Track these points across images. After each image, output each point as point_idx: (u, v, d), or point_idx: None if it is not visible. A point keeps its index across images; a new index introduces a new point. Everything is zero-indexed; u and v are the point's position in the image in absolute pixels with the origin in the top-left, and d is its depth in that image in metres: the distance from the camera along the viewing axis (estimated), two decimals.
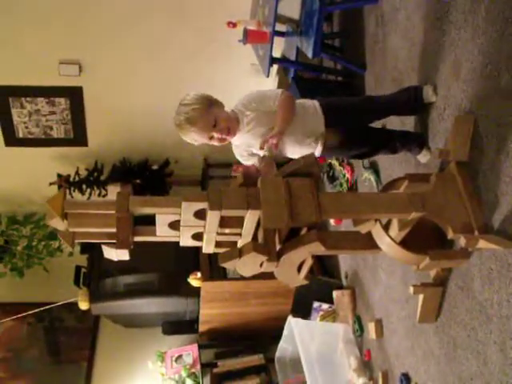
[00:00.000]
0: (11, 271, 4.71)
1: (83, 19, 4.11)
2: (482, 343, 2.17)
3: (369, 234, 2.23)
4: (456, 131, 2.25)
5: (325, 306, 3.97)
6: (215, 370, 4.27)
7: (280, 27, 3.82)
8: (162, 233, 2.10)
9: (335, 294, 3.87)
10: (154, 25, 4.22)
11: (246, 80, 4.45)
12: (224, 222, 2.03)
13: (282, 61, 3.88)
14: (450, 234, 2.08)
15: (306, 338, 3.66)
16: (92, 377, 4.66)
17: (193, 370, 4.21)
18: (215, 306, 4.17)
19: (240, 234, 2.10)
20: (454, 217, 2.11)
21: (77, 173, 4.71)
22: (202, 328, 4.40)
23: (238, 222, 2.04)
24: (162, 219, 2.05)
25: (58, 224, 2.02)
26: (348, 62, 3.57)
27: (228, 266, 2.02)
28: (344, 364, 3.58)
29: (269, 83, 4.32)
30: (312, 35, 3.37)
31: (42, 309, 4.40)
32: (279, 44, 4.01)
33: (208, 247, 2.18)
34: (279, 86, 4.39)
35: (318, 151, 2.51)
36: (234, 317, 4.32)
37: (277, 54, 4.01)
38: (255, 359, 4.33)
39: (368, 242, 2.26)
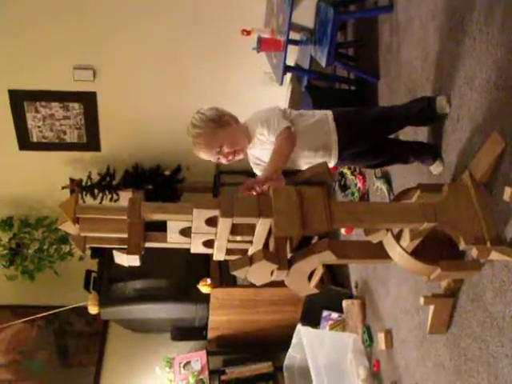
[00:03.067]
0: (22, 274, 4.74)
1: (97, 25, 4.15)
2: (493, 356, 2.15)
3: (380, 244, 2.21)
4: (485, 149, 2.20)
5: (334, 315, 3.96)
6: (223, 377, 4.26)
7: (294, 35, 3.83)
8: (173, 239, 2.11)
9: (345, 303, 3.85)
10: (168, 32, 4.25)
11: (259, 88, 4.46)
12: (235, 230, 2.03)
13: (296, 69, 3.88)
14: (462, 245, 2.06)
15: (315, 347, 3.64)
16: (100, 381, 4.68)
17: (201, 377, 4.21)
18: (224, 312, 4.16)
19: (251, 242, 2.10)
20: (466, 228, 2.08)
21: (89, 177, 4.74)
22: (210, 335, 4.40)
23: (250, 229, 2.04)
24: (173, 226, 2.06)
25: (69, 228, 2.03)
26: (361, 72, 3.57)
27: (239, 274, 2.02)
28: (353, 374, 3.55)
29: (282, 92, 4.33)
30: (326, 44, 3.37)
31: (51, 312, 4.41)
32: (293, 52, 4.02)
33: (219, 254, 2.18)
34: (292, 95, 4.39)
35: (331, 163, 2.49)
36: (244, 324, 4.31)
37: (290, 62, 4.02)
38: (264, 367, 4.32)
39: (379, 252, 2.25)
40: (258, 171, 2.53)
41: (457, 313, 2.45)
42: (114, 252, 2.03)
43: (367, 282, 3.68)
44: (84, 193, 4.68)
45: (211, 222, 1.99)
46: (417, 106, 2.65)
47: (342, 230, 4.00)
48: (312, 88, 3.77)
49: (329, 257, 2.01)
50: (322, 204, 1.99)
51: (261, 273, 2.08)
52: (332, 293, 4.00)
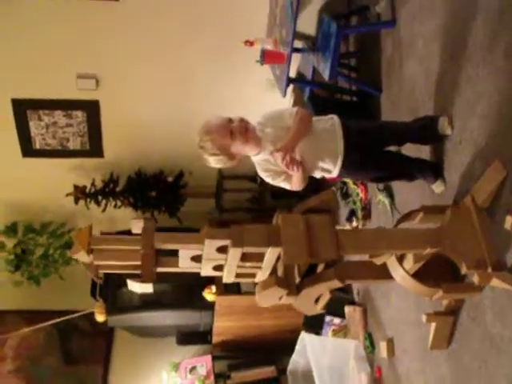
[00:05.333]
0: (28, 279, 4.79)
1: (100, 34, 4.17)
2: (492, 376, 2.23)
3: (384, 265, 2.28)
4: (487, 176, 2.26)
5: (337, 320, 4.05)
6: (228, 382, 4.35)
7: (296, 43, 3.84)
8: (184, 264, 2.17)
9: (347, 309, 3.93)
10: (170, 38, 4.27)
11: (261, 94, 4.48)
12: (245, 257, 2.10)
13: (299, 81, 3.92)
14: (464, 270, 2.13)
15: (318, 353, 3.74)
16: None
17: (207, 382, 4.29)
18: (229, 319, 4.25)
19: (260, 267, 2.17)
20: (468, 252, 2.15)
21: (93, 184, 4.78)
22: (215, 339, 4.48)
23: (259, 256, 2.11)
24: (185, 253, 2.12)
25: (83, 257, 2.10)
26: (364, 84, 3.60)
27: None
28: (355, 380, 3.64)
29: (284, 100, 4.36)
30: (329, 57, 3.40)
31: (61, 319, 4.46)
32: (295, 59, 4.03)
33: (228, 278, 2.25)
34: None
35: (335, 171, 2.55)
36: (247, 329, 4.40)
37: (293, 69, 4.04)
38: (268, 371, 4.41)
39: (383, 273, 2.32)
40: (267, 175, 2.55)
41: (457, 330, 2.53)
42: (128, 281, 2.10)
43: (368, 291, 3.76)
44: (88, 200, 4.72)
45: (222, 249, 2.06)
46: (419, 122, 2.71)
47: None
48: (314, 98, 3.80)
49: (336, 285, 2.09)
50: (329, 233, 2.05)
51: (270, 297, 2.16)
52: (334, 298, 4.05)
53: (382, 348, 3.41)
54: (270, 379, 4.37)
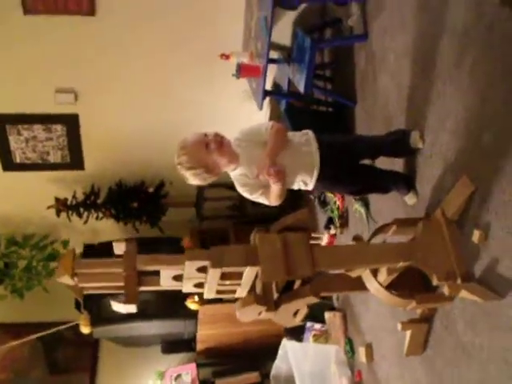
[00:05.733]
0: (12, 293, 4.78)
1: (77, 48, 4.19)
2: (465, 381, 2.33)
3: (359, 277, 2.37)
4: (456, 190, 2.35)
5: (317, 325, 4.13)
6: None
7: (272, 54, 3.90)
8: (166, 283, 2.24)
9: (327, 315, 4.02)
10: (147, 52, 4.30)
11: (238, 106, 4.55)
12: (224, 275, 2.17)
13: (275, 93, 3.99)
14: (435, 282, 2.22)
15: (300, 359, 3.82)
16: None
17: None
18: (212, 327, 4.32)
19: (239, 284, 2.25)
20: (439, 265, 2.24)
21: (74, 196, 4.80)
22: (199, 347, 4.55)
23: (238, 275, 2.18)
24: (167, 273, 2.18)
25: (67, 280, 2.14)
26: (339, 95, 3.68)
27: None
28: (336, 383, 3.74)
29: (261, 112, 4.44)
30: (304, 70, 3.47)
31: (46, 332, 4.47)
32: (271, 70, 4.10)
33: (209, 294, 2.32)
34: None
35: (311, 184, 2.60)
36: (231, 336, 4.47)
37: (269, 80, 4.11)
38: (252, 377, 4.49)
39: (358, 284, 2.41)
40: (244, 190, 2.57)
41: (432, 337, 2.62)
42: (112, 302, 2.16)
43: (348, 298, 3.85)
44: (70, 212, 4.75)
45: (202, 269, 2.13)
46: (392, 136, 2.81)
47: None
48: (290, 110, 3.87)
49: (312, 301, 2.18)
50: (305, 250, 2.13)
51: (250, 313, 2.25)
52: (314, 304, 4.14)
53: (361, 353, 3.50)
54: None
